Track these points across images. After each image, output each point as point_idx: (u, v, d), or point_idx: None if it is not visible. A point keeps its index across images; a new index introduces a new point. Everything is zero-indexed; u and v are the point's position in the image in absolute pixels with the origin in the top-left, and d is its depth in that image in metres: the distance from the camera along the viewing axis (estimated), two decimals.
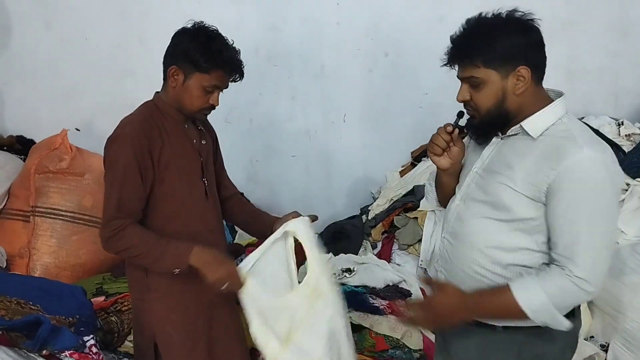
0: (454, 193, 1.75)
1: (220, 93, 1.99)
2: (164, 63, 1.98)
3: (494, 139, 1.65)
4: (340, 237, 3.54)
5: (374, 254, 3.36)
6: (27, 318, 1.77)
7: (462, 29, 1.60)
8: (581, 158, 1.46)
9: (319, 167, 4.03)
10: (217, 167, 2.27)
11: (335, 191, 4.04)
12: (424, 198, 3.32)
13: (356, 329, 2.46)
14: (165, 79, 1.99)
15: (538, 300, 1.49)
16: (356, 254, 3.33)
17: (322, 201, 4.01)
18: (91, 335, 1.86)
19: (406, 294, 2.64)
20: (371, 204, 3.81)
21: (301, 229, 1.95)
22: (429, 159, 1.80)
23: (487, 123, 1.61)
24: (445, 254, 1.72)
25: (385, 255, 3.30)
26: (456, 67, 1.62)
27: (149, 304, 2.06)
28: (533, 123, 1.56)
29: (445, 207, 1.83)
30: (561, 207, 1.48)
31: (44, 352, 1.70)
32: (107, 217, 1.88)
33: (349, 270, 2.69)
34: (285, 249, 1.97)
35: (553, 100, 1.58)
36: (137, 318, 2.15)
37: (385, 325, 2.43)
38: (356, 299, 2.53)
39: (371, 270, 2.75)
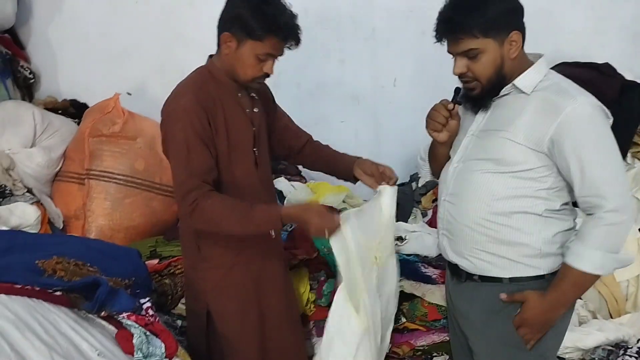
0: (448, 159, 1.86)
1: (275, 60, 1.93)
2: (218, 28, 1.91)
3: None
4: None
5: (424, 222, 3.30)
6: (86, 279, 1.78)
7: (451, 3, 1.67)
8: (576, 105, 1.59)
9: (367, 133, 3.93)
10: (284, 123, 2.23)
11: (385, 158, 3.89)
12: None
13: (408, 297, 2.42)
14: (218, 45, 1.94)
15: (597, 258, 1.59)
16: (406, 222, 3.28)
17: None
18: (147, 298, 1.87)
19: None
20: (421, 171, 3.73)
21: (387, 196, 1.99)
22: (428, 134, 1.89)
23: (488, 91, 1.71)
24: (448, 216, 1.82)
25: (435, 223, 3.22)
26: (445, 42, 1.69)
27: (202, 273, 2.07)
28: (525, 80, 1.68)
29: (438, 178, 1.96)
30: (568, 151, 1.58)
31: (103, 313, 1.71)
32: (181, 193, 1.86)
33: (400, 239, 2.64)
34: (376, 208, 1.98)
35: (532, 62, 1.71)
36: (190, 285, 2.16)
37: (437, 295, 2.38)
38: (408, 267, 2.49)
39: (423, 238, 2.69)
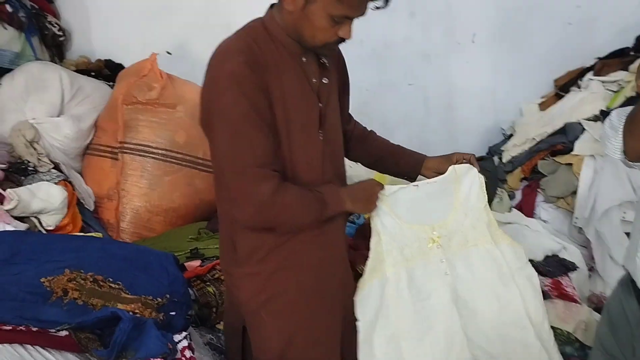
0: None
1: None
2: None
3: None
4: None
5: (512, 206, 2.72)
6: (102, 313, 1.30)
7: None
8: None
9: (439, 98, 3.38)
10: (344, 103, 1.70)
11: (459, 127, 3.38)
12: (583, 139, 2.61)
13: None
14: None
15: None
16: (489, 206, 2.70)
17: (443, 138, 3.35)
18: (184, 334, 1.38)
19: (571, 267, 2.00)
20: (503, 143, 3.13)
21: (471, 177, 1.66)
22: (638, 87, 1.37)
23: None
24: None
25: (527, 208, 2.65)
26: None
27: (237, 280, 1.58)
28: None
29: (635, 160, 1.38)
30: None
31: None
32: (245, 186, 1.42)
33: None
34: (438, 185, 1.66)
35: None
36: (227, 293, 1.68)
37: (551, 314, 1.81)
38: None
39: (522, 234, 2.11)
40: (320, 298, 1.63)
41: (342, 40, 1.43)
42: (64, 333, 1.22)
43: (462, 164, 1.68)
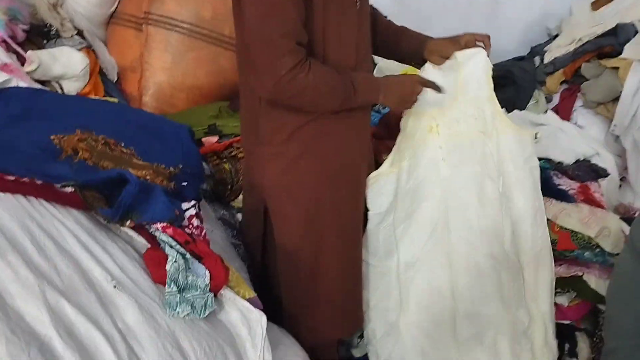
0: None
1: None
2: None
3: None
4: (504, 84, 2.74)
5: (548, 109, 2.58)
6: (109, 173, 1.26)
7: None
8: None
9: None
10: None
11: (503, 23, 3.11)
12: (634, 42, 2.40)
13: None
14: None
15: None
16: (524, 108, 2.56)
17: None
18: (192, 202, 1.34)
19: (602, 173, 1.89)
20: (547, 44, 2.92)
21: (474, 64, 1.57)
22: None
23: None
24: None
25: (563, 112, 2.50)
26: None
27: (259, 160, 1.52)
28: None
29: None
30: None
31: (128, 222, 1.21)
32: (270, 57, 1.33)
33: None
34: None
35: None
36: (248, 173, 1.63)
37: (574, 218, 1.74)
38: None
39: (555, 136, 1.99)
40: (344, 184, 1.58)
41: None
42: (69, 190, 1.19)
43: (468, 49, 1.54)
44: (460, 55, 1.55)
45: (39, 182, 1.16)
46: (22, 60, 2.12)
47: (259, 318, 1.24)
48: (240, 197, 1.87)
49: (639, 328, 1.40)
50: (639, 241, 1.35)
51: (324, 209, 1.55)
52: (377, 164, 1.88)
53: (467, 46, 1.57)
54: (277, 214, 1.57)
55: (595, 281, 1.76)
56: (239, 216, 1.87)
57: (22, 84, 1.73)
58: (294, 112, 1.45)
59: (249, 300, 1.28)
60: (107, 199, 1.24)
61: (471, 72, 1.57)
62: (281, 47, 1.32)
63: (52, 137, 1.36)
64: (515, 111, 2.16)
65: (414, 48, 1.62)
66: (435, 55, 1.58)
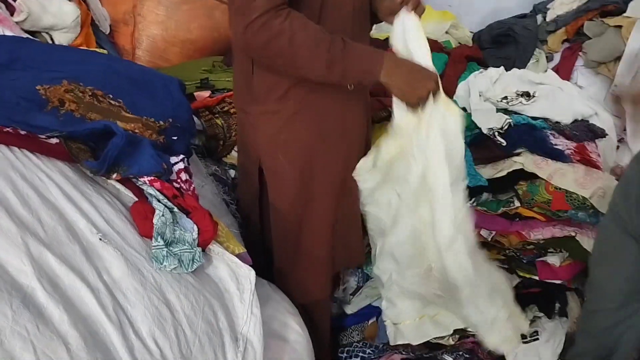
0: None
1: None
2: None
3: None
4: (505, 42, 2.69)
5: (548, 68, 2.53)
6: (94, 125, 1.22)
7: None
8: None
9: None
10: None
11: None
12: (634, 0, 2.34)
13: (528, 176, 1.77)
14: None
15: None
16: (524, 67, 2.51)
17: None
18: (181, 156, 1.31)
19: (599, 134, 1.86)
20: (551, 0, 2.85)
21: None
22: None
23: None
24: None
25: (564, 71, 2.46)
26: None
27: (253, 119, 1.49)
28: None
29: None
30: None
31: (114, 175, 1.19)
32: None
33: (526, 95, 1.91)
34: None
35: None
36: (241, 132, 1.60)
37: (570, 178, 1.71)
38: (532, 135, 1.79)
39: (554, 95, 1.95)
40: (339, 143, 1.55)
41: None
42: (54, 141, 1.16)
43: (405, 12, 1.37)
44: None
45: (22, 132, 1.14)
46: (11, 10, 2.06)
47: (248, 273, 1.23)
48: (233, 153, 1.85)
49: (621, 292, 1.42)
50: (622, 208, 1.35)
51: (317, 166, 1.53)
52: (375, 119, 1.86)
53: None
54: (272, 172, 1.55)
55: (588, 241, 1.75)
56: (232, 172, 1.85)
57: (9, 34, 1.67)
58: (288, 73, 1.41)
59: (238, 256, 1.27)
60: (94, 151, 1.21)
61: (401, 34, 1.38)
62: None
63: (37, 87, 1.32)
64: (515, 70, 2.11)
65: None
66: (387, 14, 1.44)
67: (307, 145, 1.51)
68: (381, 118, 1.83)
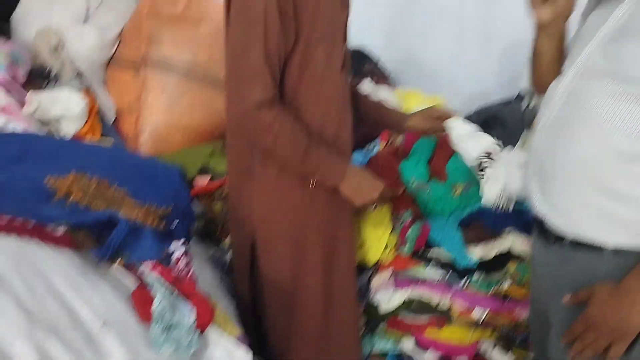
0: (558, 74, 1.26)
1: None
2: None
3: None
4: (492, 125, 2.81)
5: None
6: (98, 215, 1.30)
7: None
8: None
9: (475, 30, 3.12)
10: None
11: (493, 66, 3.19)
12: None
13: (519, 256, 1.81)
14: None
15: None
16: (512, 149, 2.61)
17: (473, 76, 3.18)
18: (181, 241, 1.38)
19: None
20: None
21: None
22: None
23: None
24: (545, 151, 1.25)
25: None
26: None
27: (248, 195, 1.57)
28: None
29: (541, 93, 1.36)
30: None
31: (118, 261, 1.25)
32: (241, 82, 1.37)
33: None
34: None
35: None
36: (235, 209, 1.67)
37: None
38: (519, 215, 1.87)
39: None
40: (330, 211, 1.62)
41: None
42: (61, 231, 1.23)
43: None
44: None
45: (32, 223, 1.20)
46: (22, 102, 2.19)
47: (244, 356, 1.26)
48: None
49: None
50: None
51: (314, 242, 1.60)
52: None
53: (440, 119, 1.73)
54: (265, 246, 1.61)
55: None
56: (229, 255, 1.90)
57: (19, 126, 1.77)
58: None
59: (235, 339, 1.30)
60: (98, 239, 1.27)
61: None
62: (255, 76, 1.34)
63: (47, 178, 1.40)
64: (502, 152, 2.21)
65: (395, 122, 1.75)
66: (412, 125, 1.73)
67: (302, 219, 1.59)
68: None
